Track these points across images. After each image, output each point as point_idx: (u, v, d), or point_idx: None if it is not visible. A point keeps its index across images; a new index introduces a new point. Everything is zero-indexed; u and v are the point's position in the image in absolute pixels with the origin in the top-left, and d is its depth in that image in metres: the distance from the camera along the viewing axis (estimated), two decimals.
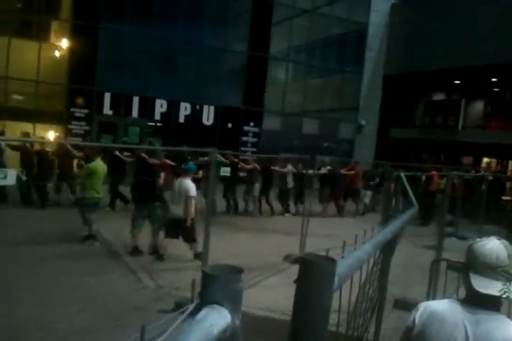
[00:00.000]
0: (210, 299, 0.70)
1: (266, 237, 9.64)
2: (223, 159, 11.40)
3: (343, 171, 13.39)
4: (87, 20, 15.69)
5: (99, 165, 8.16)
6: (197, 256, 7.04)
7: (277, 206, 12.63)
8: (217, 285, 0.71)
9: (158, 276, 6.47)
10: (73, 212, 9.05)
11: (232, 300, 0.72)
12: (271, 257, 7.79)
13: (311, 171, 12.27)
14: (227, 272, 0.73)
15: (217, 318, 0.66)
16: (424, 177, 12.69)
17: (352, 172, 13.59)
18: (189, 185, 7.16)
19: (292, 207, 12.70)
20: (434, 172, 12.76)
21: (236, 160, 11.92)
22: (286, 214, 12.42)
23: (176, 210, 7.15)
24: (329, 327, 1.68)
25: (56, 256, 6.98)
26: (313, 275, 0.88)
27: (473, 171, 14.78)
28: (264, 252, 8.29)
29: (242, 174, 12.46)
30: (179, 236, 7.18)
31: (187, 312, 0.66)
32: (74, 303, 5.16)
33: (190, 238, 7.17)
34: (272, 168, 12.44)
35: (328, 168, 13.14)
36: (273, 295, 5.67)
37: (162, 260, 7.21)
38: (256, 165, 12.01)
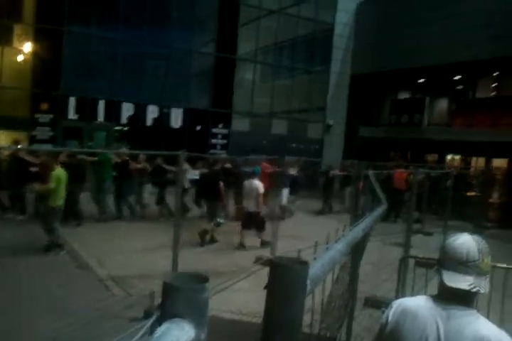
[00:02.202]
0: (171, 312, 0.64)
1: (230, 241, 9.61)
2: (115, 158, 11.01)
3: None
4: (50, 24, 15.28)
5: (62, 172, 7.99)
6: (264, 243, 8.54)
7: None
8: (179, 297, 0.64)
9: (127, 284, 6.34)
10: (33, 222, 8.86)
11: (197, 313, 0.65)
12: (241, 260, 7.76)
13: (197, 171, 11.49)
14: (191, 281, 0.67)
15: (179, 334, 0.60)
16: (388, 175, 12.76)
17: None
18: (258, 184, 8.90)
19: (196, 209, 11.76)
20: (398, 170, 12.92)
21: (127, 158, 11.17)
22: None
23: (248, 205, 8.88)
24: (305, 328, 1.64)
25: (22, 267, 6.76)
26: (284, 280, 0.83)
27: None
28: (232, 255, 8.27)
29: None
30: (251, 227, 8.78)
31: (144, 327, 0.60)
32: (42, 314, 5.00)
33: (261, 227, 8.73)
34: (166, 167, 11.63)
35: (228, 165, 12.07)
36: (244, 299, 5.63)
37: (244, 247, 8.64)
38: (147, 164, 11.35)
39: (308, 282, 0.88)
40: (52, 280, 6.20)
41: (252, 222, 8.83)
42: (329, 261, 1.14)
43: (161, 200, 11.52)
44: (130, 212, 11.28)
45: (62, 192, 7.89)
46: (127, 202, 11.26)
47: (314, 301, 1.44)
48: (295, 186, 13.52)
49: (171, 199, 11.53)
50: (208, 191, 9.49)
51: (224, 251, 8.70)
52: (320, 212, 14.31)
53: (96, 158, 10.93)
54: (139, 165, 11.22)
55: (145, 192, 11.37)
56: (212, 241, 9.12)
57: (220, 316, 5.22)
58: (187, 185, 11.49)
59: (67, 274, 6.64)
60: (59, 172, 7.92)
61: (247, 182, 9.19)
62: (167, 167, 11.63)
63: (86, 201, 10.82)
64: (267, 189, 11.85)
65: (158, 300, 0.67)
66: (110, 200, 11.12)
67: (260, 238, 8.80)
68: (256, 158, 12.53)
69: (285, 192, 12.60)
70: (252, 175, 9.39)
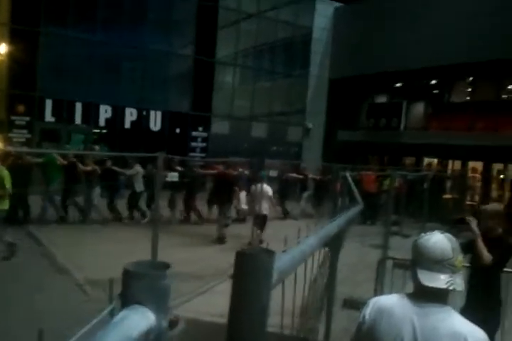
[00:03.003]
0: (132, 299, 0.63)
1: (211, 243, 9.58)
2: (60, 159, 10.52)
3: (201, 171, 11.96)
4: (26, 25, 15.07)
5: (6, 171, 7.32)
6: (261, 242, 8.85)
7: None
8: (140, 284, 0.64)
9: (105, 287, 6.23)
10: None
11: (157, 300, 0.64)
12: (221, 263, 7.72)
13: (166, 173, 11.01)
14: (151, 268, 0.66)
15: (138, 319, 0.59)
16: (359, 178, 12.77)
17: (211, 171, 11.97)
18: (268, 188, 9.50)
19: (148, 213, 11.33)
20: (367, 173, 13.02)
21: (74, 160, 10.71)
22: (143, 220, 11.10)
23: (257, 207, 9.18)
24: (278, 330, 1.64)
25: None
26: (249, 268, 0.83)
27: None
28: (214, 258, 8.22)
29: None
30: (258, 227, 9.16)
31: (102, 314, 0.59)
32: (18, 320, 4.89)
33: (262, 228, 9.17)
34: (116, 169, 11.27)
35: (178, 167, 11.57)
36: (224, 301, 5.58)
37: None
38: (96, 166, 10.95)
39: (276, 272, 0.88)
40: (28, 285, 6.07)
41: (258, 222, 9.23)
42: (299, 254, 1.14)
43: (110, 204, 11.15)
44: (80, 215, 10.85)
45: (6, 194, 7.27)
46: (77, 205, 10.82)
47: (291, 301, 1.44)
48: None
49: (122, 203, 11.37)
50: (221, 194, 10.04)
51: (205, 252, 8.65)
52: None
53: (41, 160, 10.54)
54: (87, 168, 10.81)
55: (94, 195, 10.96)
56: (221, 241, 9.62)
57: (199, 319, 5.19)
58: (139, 188, 11.22)
59: (44, 279, 6.51)
60: (2, 171, 7.26)
61: (256, 186, 9.54)
62: (117, 169, 11.31)
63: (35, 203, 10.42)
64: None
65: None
66: (58, 202, 10.70)
67: (260, 238, 9.17)
68: (211, 161, 12.45)
69: (242, 195, 12.12)
70: (261, 179, 9.80)
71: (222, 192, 10.10)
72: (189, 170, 11.49)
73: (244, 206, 12.04)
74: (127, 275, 0.65)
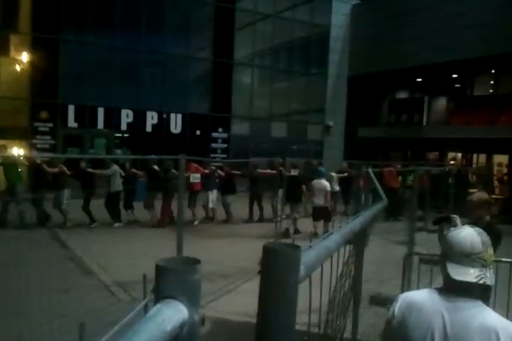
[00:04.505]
0: (165, 294, 0.65)
1: (237, 243, 9.60)
2: (24, 161, 10.32)
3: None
4: (46, 33, 15.37)
5: None
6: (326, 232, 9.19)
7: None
8: (172, 279, 0.66)
9: (132, 288, 6.33)
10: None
11: (189, 294, 0.66)
12: (245, 262, 7.75)
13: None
14: (183, 264, 0.68)
15: (172, 313, 0.61)
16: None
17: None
18: (326, 183, 10.37)
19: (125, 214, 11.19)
20: (389, 169, 12.84)
21: (38, 161, 10.31)
22: (116, 224, 10.79)
23: (318, 201, 10.15)
24: (304, 327, 1.65)
25: (23, 274, 6.76)
26: (276, 263, 0.84)
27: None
28: (237, 258, 8.24)
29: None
30: (321, 219, 10.09)
31: (136, 309, 0.62)
32: (47, 322, 4.99)
33: (328, 219, 9.97)
34: (91, 170, 10.86)
35: (155, 167, 11.16)
36: (250, 300, 5.60)
37: (316, 236, 8.81)
38: (64, 167, 10.49)
39: (303, 267, 0.89)
40: (55, 287, 6.18)
41: (321, 214, 10.14)
42: (324, 249, 1.15)
43: (85, 206, 10.66)
44: (42, 219, 10.38)
45: None
46: (40, 208, 10.41)
47: (318, 299, 1.44)
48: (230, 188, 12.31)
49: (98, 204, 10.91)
50: (291, 193, 10.78)
51: (229, 252, 8.68)
52: (247, 221, 12.21)
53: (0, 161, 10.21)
54: (53, 169, 10.43)
55: (64, 197, 10.53)
56: (297, 232, 10.46)
57: (224, 318, 5.22)
58: (117, 188, 10.90)
59: (71, 281, 6.62)
60: None
61: (315, 182, 10.37)
62: (92, 170, 10.96)
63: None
64: (196, 190, 11.61)
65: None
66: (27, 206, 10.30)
67: (327, 228, 9.74)
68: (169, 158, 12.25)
69: (212, 194, 11.90)
70: (321, 175, 10.64)
71: (293, 191, 10.81)
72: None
73: (212, 205, 11.88)
74: (159, 270, 0.67)
